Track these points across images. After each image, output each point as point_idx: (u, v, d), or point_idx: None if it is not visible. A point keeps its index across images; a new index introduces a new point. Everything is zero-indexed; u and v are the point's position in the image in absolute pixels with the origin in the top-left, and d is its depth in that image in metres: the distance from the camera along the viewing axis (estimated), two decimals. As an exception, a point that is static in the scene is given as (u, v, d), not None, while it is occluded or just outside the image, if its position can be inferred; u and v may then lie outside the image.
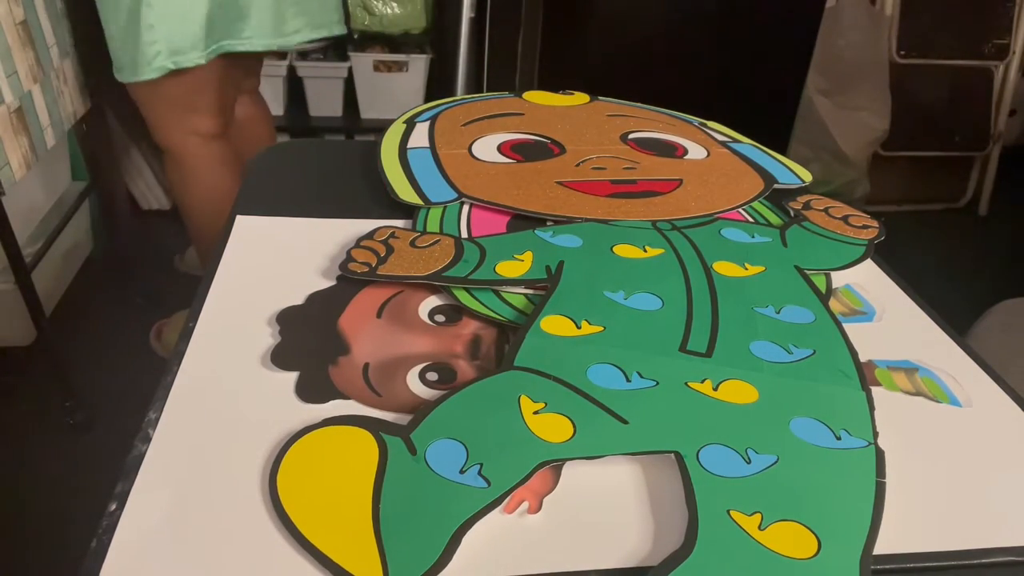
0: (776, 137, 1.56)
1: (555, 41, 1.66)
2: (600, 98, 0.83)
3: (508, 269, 0.51)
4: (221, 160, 1.24)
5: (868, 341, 0.48)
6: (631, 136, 0.73)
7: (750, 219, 0.62)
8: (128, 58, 1.09)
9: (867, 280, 0.56)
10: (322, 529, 0.33)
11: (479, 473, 0.36)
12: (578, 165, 0.66)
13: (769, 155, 0.73)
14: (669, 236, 0.57)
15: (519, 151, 0.68)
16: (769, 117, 1.74)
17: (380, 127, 0.72)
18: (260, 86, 1.41)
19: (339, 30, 1.30)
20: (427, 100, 0.85)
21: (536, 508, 0.36)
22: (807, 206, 0.64)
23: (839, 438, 0.39)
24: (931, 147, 2.16)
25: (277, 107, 1.82)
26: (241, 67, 1.27)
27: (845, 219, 0.62)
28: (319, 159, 0.74)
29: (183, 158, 1.21)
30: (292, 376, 0.42)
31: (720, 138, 0.76)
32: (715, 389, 0.42)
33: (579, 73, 1.66)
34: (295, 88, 1.86)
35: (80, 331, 1.44)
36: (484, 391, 0.41)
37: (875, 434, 0.40)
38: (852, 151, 1.99)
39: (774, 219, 0.63)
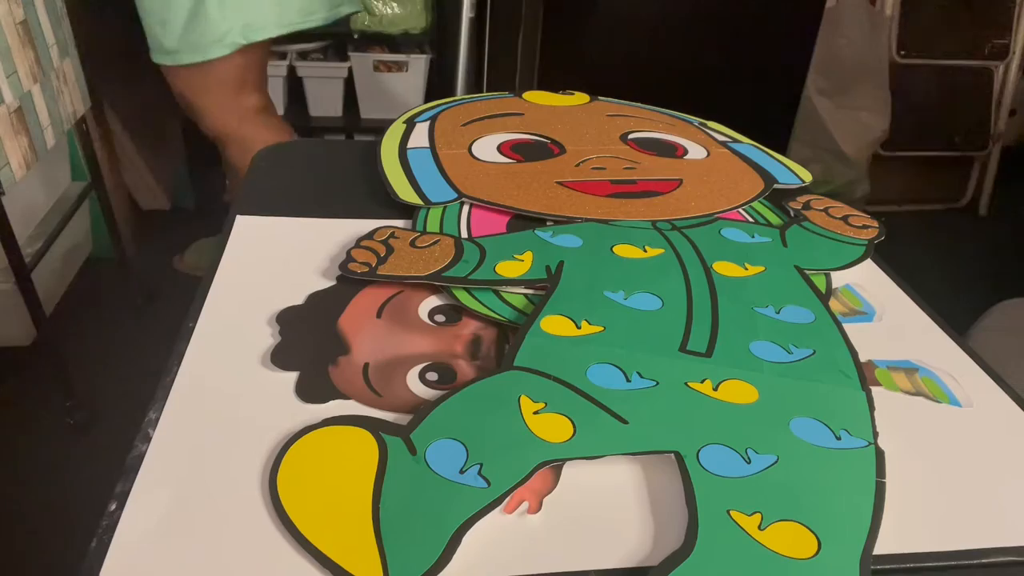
0: (776, 137, 1.56)
1: (555, 41, 1.66)
2: (600, 98, 0.83)
3: (508, 269, 0.51)
4: (281, 131, 1.26)
5: (868, 341, 0.48)
6: (631, 136, 0.73)
7: (750, 219, 0.62)
8: (192, 40, 1.10)
9: (867, 280, 0.56)
10: (322, 529, 0.33)
11: (479, 473, 0.36)
12: (578, 165, 0.66)
13: (769, 155, 0.73)
14: (669, 236, 0.57)
15: (519, 151, 0.68)
16: (769, 117, 1.74)
17: (380, 127, 0.72)
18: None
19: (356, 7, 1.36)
20: (427, 100, 0.85)
21: (536, 508, 0.36)
22: (807, 206, 0.64)
23: (839, 438, 0.39)
24: (931, 147, 2.16)
25: (277, 107, 1.81)
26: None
27: (845, 219, 0.62)
28: (319, 159, 0.74)
29: (244, 139, 1.22)
30: (292, 376, 0.42)
31: (720, 138, 0.76)
32: (715, 389, 0.42)
33: (579, 73, 1.66)
34: (295, 88, 1.86)
35: (80, 331, 1.44)
36: (484, 391, 0.41)
37: (875, 434, 0.40)
38: (852, 151, 1.99)
39: (774, 219, 0.63)
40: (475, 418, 0.39)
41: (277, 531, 0.33)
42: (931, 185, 2.23)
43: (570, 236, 0.56)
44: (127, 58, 1.66)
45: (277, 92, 1.81)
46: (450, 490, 0.35)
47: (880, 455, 0.39)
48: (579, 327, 0.46)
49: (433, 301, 0.50)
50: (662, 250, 0.55)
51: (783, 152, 0.74)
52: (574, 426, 0.38)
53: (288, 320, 0.47)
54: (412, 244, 0.53)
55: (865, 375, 0.44)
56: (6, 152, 1.03)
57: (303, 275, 0.52)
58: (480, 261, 0.52)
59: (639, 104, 0.83)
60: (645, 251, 0.54)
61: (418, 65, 1.81)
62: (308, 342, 0.45)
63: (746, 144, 0.75)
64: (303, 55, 1.84)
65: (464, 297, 0.49)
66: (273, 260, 0.54)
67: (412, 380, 0.43)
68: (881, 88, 1.99)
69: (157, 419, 0.39)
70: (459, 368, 0.44)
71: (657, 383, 0.42)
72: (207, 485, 0.36)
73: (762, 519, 0.34)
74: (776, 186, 0.67)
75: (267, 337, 0.45)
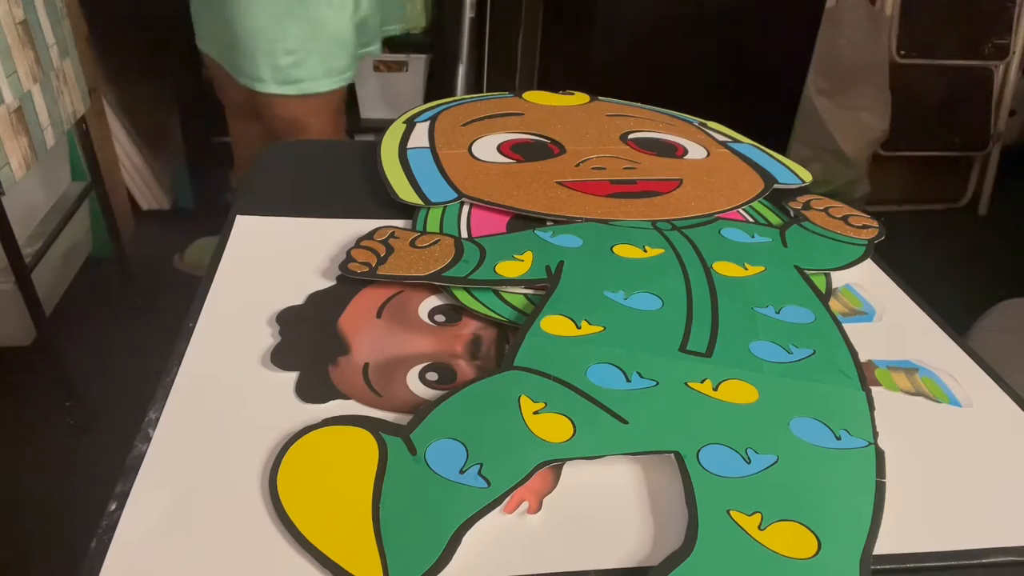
0: (776, 137, 1.56)
1: (555, 41, 1.66)
2: (600, 98, 0.83)
3: (508, 269, 0.51)
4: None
5: (868, 341, 0.48)
6: (631, 136, 0.73)
7: (750, 219, 0.62)
8: (331, 67, 1.14)
9: (867, 280, 0.56)
10: (322, 529, 0.33)
11: (479, 473, 0.36)
12: (578, 165, 0.66)
13: (769, 155, 0.73)
14: (669, 236, 0.57)
15: (519, 151, 0.68)
16: (769, 117, 1.74)
17: (380, 127, 0.72)
18: None
19: None
20: (427, 100, 0.85)
21: (536, 508, 0.36)
22: (807, 206, 0.64)
23: (839, 438, 0.39)
24: (931, 147, 2.16)
25: (277, 107, 1.81)
26: None
27: (845, 219, 0.62)
28: (319, 159, 0.74)
29: None
30: (292, 376, 0.42)
31: (720, 138, 0.76)
32: (715, 389, 0.42)
33: (579, 73, 1.66)
34: (295, 88, 1.85)
35: (80, 331, 1.44)
36: (484, 391, 0.41)
37: (875, 434, 0.40)
38: (852, 151, 1.99)
39: (774, 219, 0.63)
40: (475, 418, 0.39)
41: (277, 531, 0.33)
42: (931, 185, 2.23)
43: (570, 236, 0.56)
44: (127, 58, 1.66)
45: (277, 92, 1.81)
46: (450, 490, 0.35)
47: (880, 455, 0.39)
48: (579, 327, 0.46)
49: (433, 301, 0.50)
50: (662, 250, 0.55)
51: (783, 152, 0.74)
52: (574, 426, 0.38)
53: (288, 320, 0.47)
54: (412, 244, 0.53)
55: (865, 375, 0.44)
56: (6, 152, 1.03)
57: (303, 275, 0.52)
58: (480, 261, 0.52)
59: (639, 104, 0.83)
60: (645, 251, 0.54)
61: (418, 65, 1.81)
62: (308, 342, 0.45)
63: (746, 144, 0.75)
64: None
65: (464, 297, 0.49)
66: (273, 260, 0.54)
67: (412, 380, 0.43)
68: (881, 88, 1.99)
69: (157, 419, 0.39)
70: (459, 368, 0.44)
71: (657, 383, 0.42)
72: (207, 485, 0.36)
73: (762, 519, 0.34)
74: (776, 186, 0.67)
75: (267, 337, 0.45)
